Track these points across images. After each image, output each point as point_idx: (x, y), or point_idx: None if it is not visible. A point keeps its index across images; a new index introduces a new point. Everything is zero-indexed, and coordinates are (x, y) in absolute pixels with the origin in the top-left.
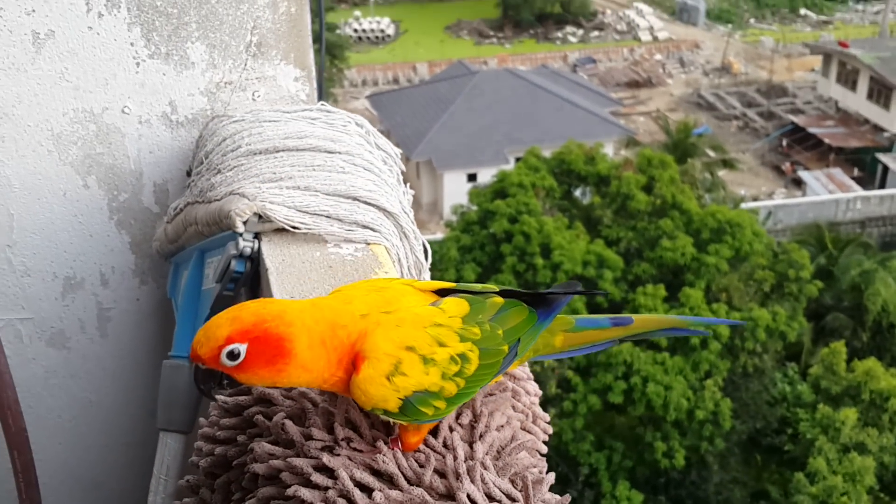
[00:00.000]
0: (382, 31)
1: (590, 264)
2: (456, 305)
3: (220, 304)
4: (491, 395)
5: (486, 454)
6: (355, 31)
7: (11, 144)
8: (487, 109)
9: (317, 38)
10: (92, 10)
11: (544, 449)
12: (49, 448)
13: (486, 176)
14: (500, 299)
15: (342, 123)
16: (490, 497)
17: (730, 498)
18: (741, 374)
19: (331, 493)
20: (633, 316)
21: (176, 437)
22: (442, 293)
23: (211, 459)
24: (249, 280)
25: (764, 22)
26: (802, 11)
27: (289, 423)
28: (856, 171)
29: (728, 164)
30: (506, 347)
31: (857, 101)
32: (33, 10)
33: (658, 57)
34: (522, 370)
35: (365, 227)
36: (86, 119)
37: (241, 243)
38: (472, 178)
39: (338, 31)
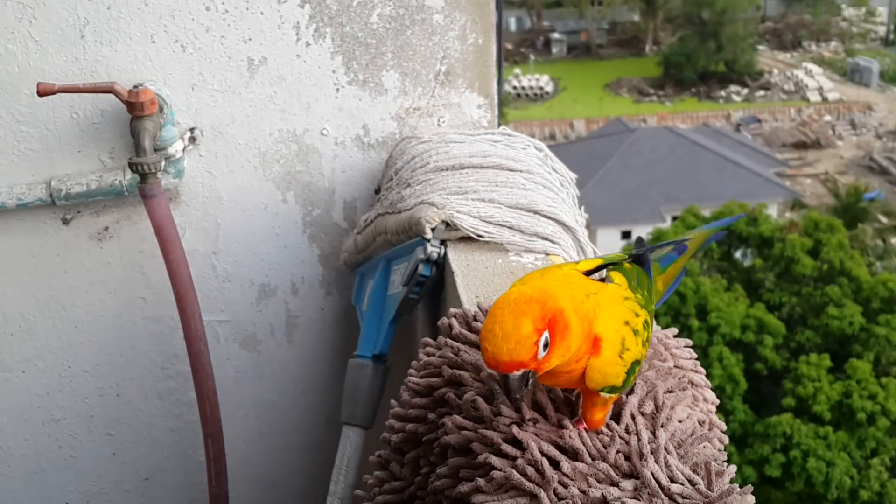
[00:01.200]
0: (542, 88)
1: (749, 329)
2: (619, 277)
3: (406, 306)
4: (671, 391)
5: (669, 440)
6: (514, 88)
7: (223, 160)
8: (645, 167)
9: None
10: (301, 39)
11: (724, 445)
12: (234, 445)
13: (640, 233)
14: (630, 265)
15: (522, 146)
16: (672, 479)
17: None
18: None
19: (520, 461)
20: (687, 242)
21: (357, 431)
22: (589, 273)
23: (402, 436)
24: (433, 285)
25: None
26: None
27: (480, 400)
28: None
29: None
30: (652, 306)
31: None
32: (250, 39)
33: (828, 118)
34: (701, 378)
35: (545, 238)
36: (289, 139)
37: (429, 248)
38: (626, 235)
39: None
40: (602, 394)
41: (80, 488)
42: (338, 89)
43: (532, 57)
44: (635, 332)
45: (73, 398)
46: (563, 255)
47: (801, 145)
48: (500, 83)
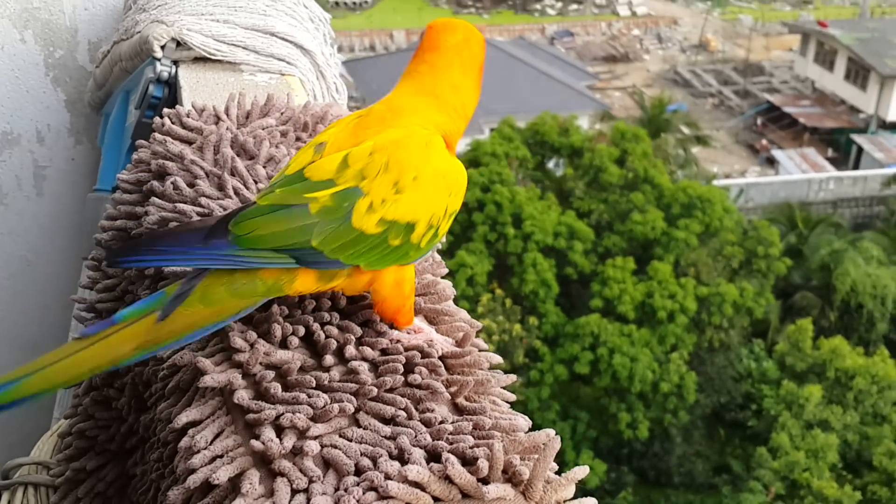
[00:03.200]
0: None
1: (560, 235)
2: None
3: (141, 132)
4: None
5: None
6: None
7: None
8: None
9: None
10: None
11: None
12: None
13: (460, 145)
14: None
15: None
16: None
17: (692, 471)
18: (707, 349)
19: None
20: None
21: None
22: None
23: (112, 234)
24: (167, 107)
25: (743, 0)
26: None
27: (179, 180)
28: (830, 152)
29: (702, 140)
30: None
31: (834, 82)
32: None
33: (636, 32)
34: None
35: (280, 59)
36: None
37: (159, 67)
38: None
39: None
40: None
41: None
42: None
43: None
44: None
45: None
46: (300, 77)
47: (611, 59)
48: None
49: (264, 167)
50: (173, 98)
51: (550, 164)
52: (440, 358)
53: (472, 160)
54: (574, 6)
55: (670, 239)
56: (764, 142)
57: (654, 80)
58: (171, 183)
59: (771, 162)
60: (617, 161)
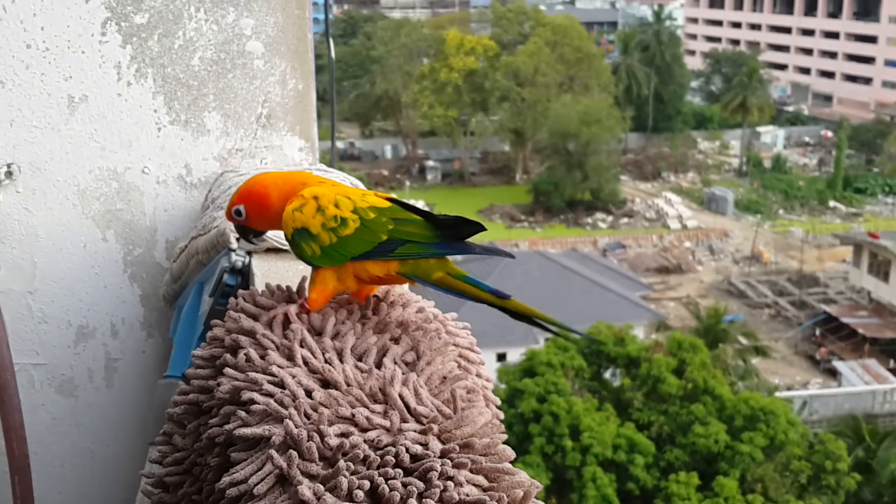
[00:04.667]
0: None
1: (620, 448)
2: (378, 201)
3: (213, 317)
4: (436, 350)
5: (425, 381)
6: None
7: (41, 197)
8: (518, 290)
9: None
10: (122, 78)
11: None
12: (50, 498)
13: (515, 355)
14: (418, 217)
15: (339, 179)
16: (420, 403)
17: None
18: None
19: (278, 395)
20: (512, 297)
21: None
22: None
23: (184, 408)
24: None
25: (793, 213)
26: (831, 204)
27: (252, 352)
28: (892, 363)
29: (761, 351)
30: (384, 236)
31: (889, 292)
32: (71, 77)
33: (687, 244)
34: (476, 356)
35: None
36: (109, 177)
37: (234, 257)
38: (501, 357)
39: None
40: (314, 266)
41: None
42: (159, 128)
43: (408, 183)
44: (318, 209)
45: None
46: None
47: (663, 270)
48: (333, 117)
49: (332, 339)
50: (246, 286)
51: (607, 374)
52: None
53: (527, 370)
54: (625, 220)
55: (735, 453)
56: (823, 350)
57: (709, 291)
58: (244, 355)
59: (832, 373)
60: (675, 371)
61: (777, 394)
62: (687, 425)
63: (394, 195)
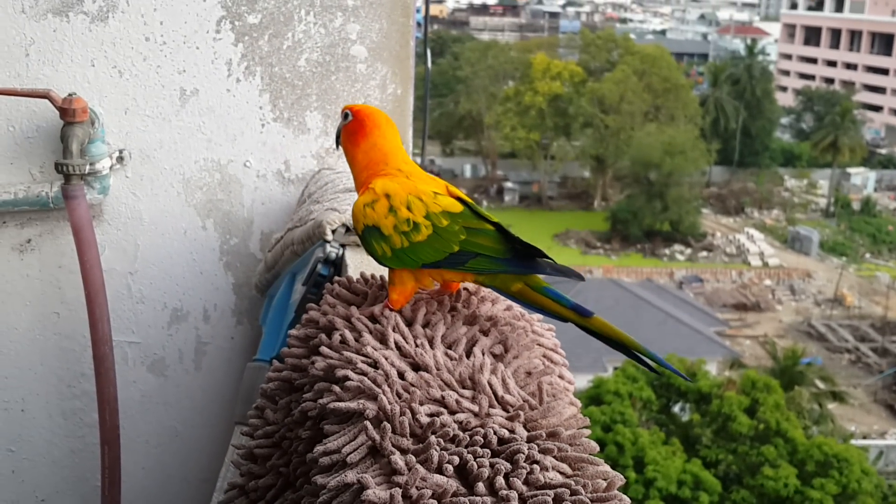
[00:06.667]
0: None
1: (685, 484)
2: (451, 204)
3: (304, 306)
4: (524, 346)
5: (513, 372)
6: None
7: (148, 184)
8: None
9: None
10: (232, 75)
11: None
12: (133, 472)
13: (582, 381)
14: (490, 227)
15: None
16: (507, 391)
17: None
18: None
19: (371, 373)
20: (595, 315)
21: None
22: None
23: (277, 384)
24: None
25: (880, 258)
26: None
27: (347, 333)
28: None
29: (838, 397)
30: (456, 247)
31: None
32: (184, 70)
33: (768, 282)
34: (561, 358)
35: None
36: (213, 168)
37: (328, 248)
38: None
39: None
40: (394, 268)
41: None
42: (263, 125)
43: (485, 203)
44: (391, 208)
45: None
46: None
47: (741, 307)
48: (426, 123)
49: (423, 328)
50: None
51: (676, 409)
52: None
53: (593, 398)
54: (704, 253)
55: (804, 498)
56: None
57: (787, 332)
58: (339, 336)
59: None
60: (747, 410)
61: (852, 441)
62: (756, 466)
63: (464, 194)
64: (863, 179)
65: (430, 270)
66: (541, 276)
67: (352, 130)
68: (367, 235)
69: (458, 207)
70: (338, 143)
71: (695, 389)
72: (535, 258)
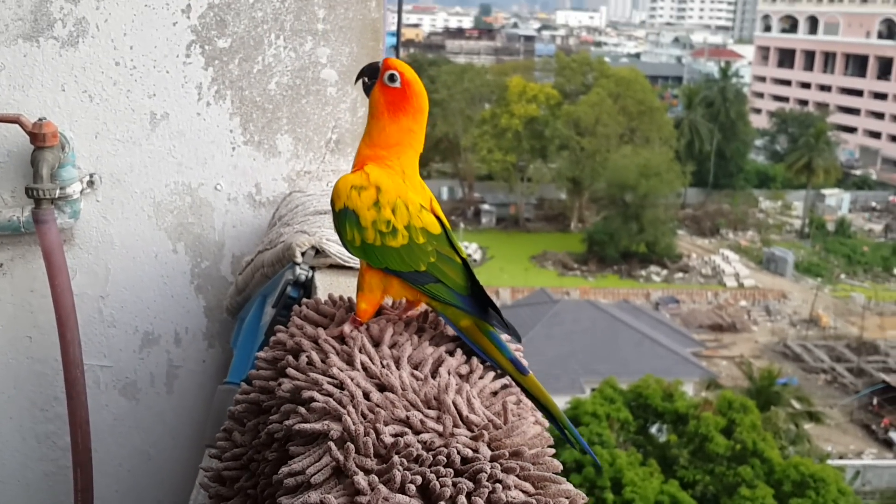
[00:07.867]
0: (470, 255)
1: None
2: (432, 223)
3: (274, 328)
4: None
5: (478, 392)
6: None
7: (119, 207)
8: (566, 338)
9: None
10: (202, 98)
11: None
12: (106, 495)
13: (560, 403)
14: (458, 260)
15: None
16: (472, 411)
17: None
18: None
19: (336, 394)
20: (531, 374)
21: None
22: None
23: (245, 406)
24: None
25: (855, 279)
26: None
27: (314, 354)
28: None
29: (814, 417)
30: (423, 267)
31: None
32: (154, 94)
33: (743, 303)
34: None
35: None
36: (184, 192)
37: (298, 271)
38: None
39: None
40: (365, 272)
41: None
42: (234, 148)
43: (462, 225)
44: (376, 202)
45: None
46: None
47: (717, 328)
48: None
49: (390, 349)
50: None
51: (653, 430)
52: None
53: (571, 419)
54: (680, 274)
55: None
56: (886, 420)
57: (763, 352)
58: (306, 357)
59: (888, 444)
60: (724, 431)
61: (829, 461)
62: (733, 487)
63: (443, 214)
64: (837, 201)
65: (389, 278)
66: (491, 327)
67: (395, 99)
68: (343, 217)
69: (438, 229)
70: (367, 92)
71: (672, 411)
72: (487, 307)
